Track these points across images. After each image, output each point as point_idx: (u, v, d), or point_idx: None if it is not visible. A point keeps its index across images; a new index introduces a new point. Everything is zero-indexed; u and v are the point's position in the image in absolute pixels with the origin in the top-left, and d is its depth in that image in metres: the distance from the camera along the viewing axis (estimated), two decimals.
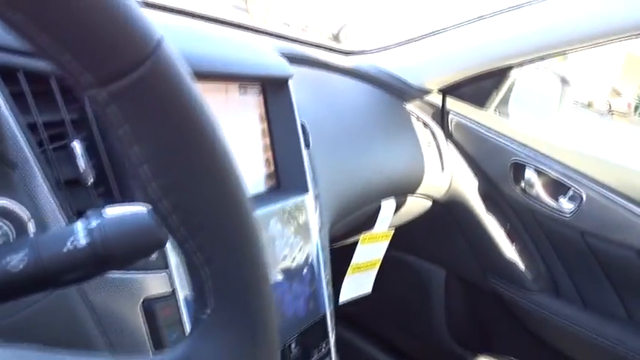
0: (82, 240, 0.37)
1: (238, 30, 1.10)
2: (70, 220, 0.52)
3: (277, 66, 0.81)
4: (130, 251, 0.40)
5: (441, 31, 1.44)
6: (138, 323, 0.55)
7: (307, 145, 0.86)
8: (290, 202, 0.79)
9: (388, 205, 1.33)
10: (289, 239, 0.77)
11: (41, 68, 0.51)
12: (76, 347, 0.51)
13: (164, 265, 0.57)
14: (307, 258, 0.80)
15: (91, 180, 0.52)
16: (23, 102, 0.50)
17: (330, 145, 1.03)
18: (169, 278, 0.57)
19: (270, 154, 0.82)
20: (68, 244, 0.37)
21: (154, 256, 0.56)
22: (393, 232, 1.38)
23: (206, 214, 0.32)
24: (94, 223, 0.39)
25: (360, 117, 1.28)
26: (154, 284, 0.56)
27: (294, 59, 1.05)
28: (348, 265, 1.25)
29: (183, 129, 0.30)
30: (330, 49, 1.43)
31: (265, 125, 0.81)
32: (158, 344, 0.56)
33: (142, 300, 0.55)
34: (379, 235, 1.35)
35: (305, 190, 0.82)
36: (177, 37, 0.67)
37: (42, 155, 0.50)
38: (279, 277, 0.74)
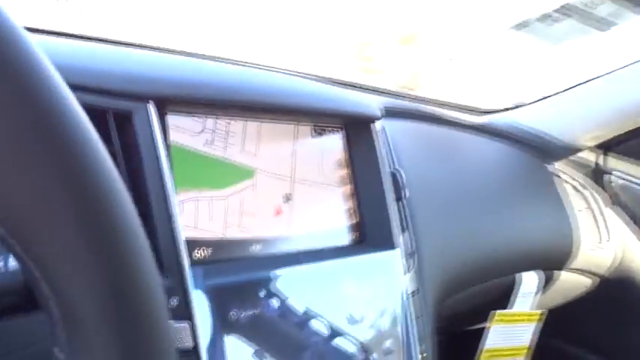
0: None
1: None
2: None
3: (360, 104, 0.73)
4: None
5: (596, 78, 1.24)
6: None
7: (399, 198, 0.75)
8: (370, 259, 0.67)
9: (529, 279, 1.12)
10: (367, 302, 0.65)
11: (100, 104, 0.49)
12: None
13: (187, 316, 0.49)
14: (392, 325, 0.67)
15: None
16: None
17: (446, 205, 0.90)
18: (192, 331, 0.49)
19: (353, 203, 0.72)
20: None
21: (174, 302, 0.49)
22: (543, 313, 1.15)
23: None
24: None
25: (488, 177, 1.13)
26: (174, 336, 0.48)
27: (409, 114, 0.96)
28: None
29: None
30: (463, 109, 1.31)
31: (348, 171, 0.73)
32: None
33: None
34: (521, 315, 1.13)
35: (391, 246, 0.70)
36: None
37: None
38: (349, 347, 0.62)
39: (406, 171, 0.84)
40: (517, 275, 1.10)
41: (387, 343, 0.66)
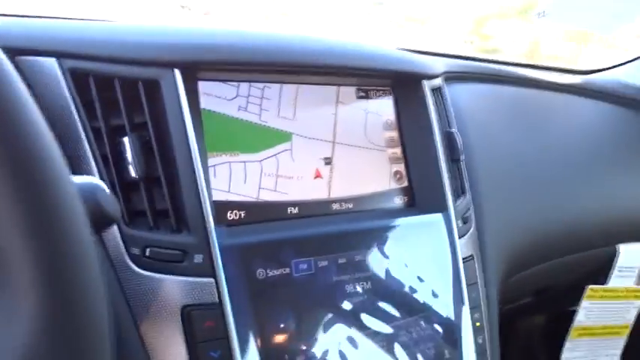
0: None
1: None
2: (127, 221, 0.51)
3: (410, 62, 0.70)
4: None
5: None
6: (175, 332, 0.50)
7: (455, 160, 0.71)
8: (418, 221, 0.65)
9: (631, 251, 1.01)
10: (416, 267, 0.63)
11: (107, 71, 0.53)
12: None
13: (210, 272, 0.51)
14: (439, 290, 0.64)
15: (139, 177, 0.51)
16: (89, 105, 0.52)
17: (522, 171, 0.84)
18: (216, 287, 0.51)
19: (402, 166, 0.70)
20: None
21: (198, 259, 0.51)
22: None
23: None
24: None
25: (584, 140, 1.03)
26: (197, 291, 0.51)
27: (483, 77, 0.91)
28: None
29: None
30: (561, 70, 1.21)
31: (396, 134, 0.70)
32: (196, 359, 0.50)
33: (181, 306, 0.50)
34: (622, 291, 1.03)
35: (442, 209, 0.67)
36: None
37: (101, 157, 0.51)
38: (389, 312, 0.60)
39: (473, 134, 0.80)
40: (617, 247, 1.00)
41: (434, 308, 0.63)
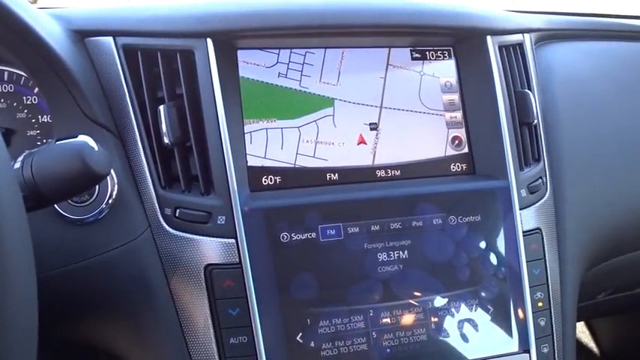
0: (16, 164, 0.41)
1: None
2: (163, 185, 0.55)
3: (473, 17, 0.64)
4: (60, 178, 0.40)
5: None
6: (199, 289, 0.52)
7: (527, 123, 0.63)
8: (473, 188, 0.60)
9: None
10: (466, 238, 0.58)
11: (151, 45, 0.57)
12: (138, 294, 0.53)
13: (232, 234, 0.53)
14: (492, 264, 0.58)
15: (172, 143, 0.54)
16: (137, 78, 0.57)
17: (619, 142, 0.73)
18: (237, 249, 0.53)
19: (461, 131, 0.64)
20: None
21: (221, 221, 0.53)
22: None
23: None
24: (33, 152, 0.41)
25: None
26: (218, 251, 0.53)
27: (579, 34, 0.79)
28: None
29: None
30: None
31: (455, 96, 0.65)
32: (216, 315, 0.52)
33: (204, 264, 0.53)
34: None
35: (503, 175, 0.60)
36: None
37: (144, 126, 0.56)
38: (433, 285, 0.56)
39: (563, 97, 0.71)
40: None
41: (483, 283, 0.57)
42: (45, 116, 0.62)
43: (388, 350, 0.54)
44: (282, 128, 0.60)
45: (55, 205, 0.52)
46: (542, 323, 0.59)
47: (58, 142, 0.42)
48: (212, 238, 0.53)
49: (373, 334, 0.54)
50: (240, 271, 0.52)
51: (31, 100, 0.62)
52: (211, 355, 0.52)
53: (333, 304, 0.54)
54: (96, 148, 0.41)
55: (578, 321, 0.79)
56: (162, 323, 0.53)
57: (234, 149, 0.55)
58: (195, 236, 0.53)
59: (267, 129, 0.59)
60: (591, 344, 1.50)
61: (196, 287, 0.53)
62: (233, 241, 0.53)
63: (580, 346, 1.46)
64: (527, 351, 0.58)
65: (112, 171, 0.54)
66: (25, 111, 0.61)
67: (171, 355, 0.53)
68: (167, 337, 0.53)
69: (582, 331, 1.49)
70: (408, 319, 0.55)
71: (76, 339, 0.59)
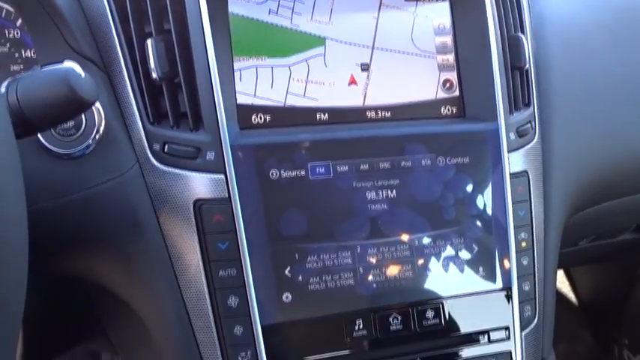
0: (1, 89, 0.40)
1: None
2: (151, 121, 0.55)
3: None
4: (46, 104, 0.40)
5: None
6: (188, 223, 0.53)
7: (518, 67, 0.63)
8: (461, 130, 0.60)
9: None
10: (453, 178, 0.59)
11: None
12: (127, 230, 0.53)
13: (221, 169, 0.53)
14: (478, 205, 0.59)
15: (160, 77, 0.54)
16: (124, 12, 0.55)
17: (610, 88, 0.73)
18: (226, 184, 0.53)
19: (452, 74, 0.64)
20: None
21: (210, 157, 0.53)
22: None
23: None
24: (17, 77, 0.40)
25: None
26: (208, 186, 0.53)
27: None
28: None
29: None
30: None
31: (448, 39, 0.64)
32: (205, 249, 0.52)
33: (194, 200, 0.53)
34: None
35: (492, 117, 0.61)
36: None
37: (130, 61, 0.55)
38: (420, 224, 0.57)
39: (555, 41, 0.71)
40: None
41: (469, 223, 0.58)
42: (29, 50, 0.61)
43: (374, 285, 0.56)
44: (272, 66, 0.59)
45: (42, 139, 0.52)
46: (525, 262, 0.60)
47: (43, 69, 0.41)
48: (201, 174, 0.53)
49: (360, 269, 0.55)
50: (229, 206, 0.53)
51: (13, 34, 0.61)
52: (201, 288, 0.53)
53: (321, 240, 0.55)
54: (82, 75, 0.40)
55: (560, 267, 0.81)
56: (153, 258, 0.54)
57: (224, 85, 0.54)
58: (184, 172, 0.53)
59: (257, 67, 0.59)
60: (570, 294, 1.54)
61: (186, 222, 0.53)
62: (222, 176, 0.53)
63: (559, 296, 1.50)
64: (509, 288, 0.59)
65: (99, 105, 0.53)
66: (8, 45, 0.60)
67: (162, 289, 0.54)
68: (157, 271, 0.54)
69: (562, 282, 1.53)
70: (394, 255, 0.56)
71: (66, 273, 0.60)
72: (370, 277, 0.55)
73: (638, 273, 1.33)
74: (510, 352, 0.59)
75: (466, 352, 0.58)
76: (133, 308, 0.58)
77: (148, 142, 0.54)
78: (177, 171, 0.53)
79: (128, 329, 0.67)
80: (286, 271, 0.53)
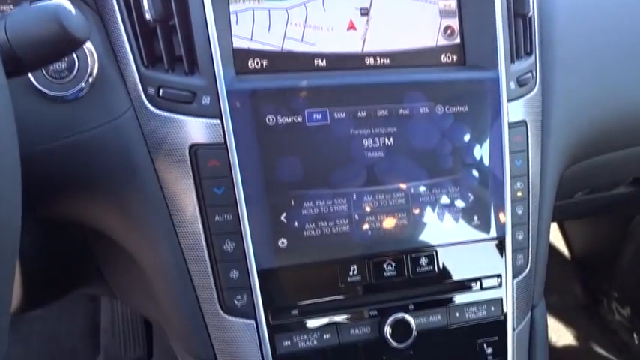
0: None
1: None
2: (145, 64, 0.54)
3: None
4: (36, 42, 0.39)
5: None
6: (184, 168, 0.53)
7: (521, 15, 0.62)
8: (461, 78, 0.59)
9: None
10: (451, 127, 0.58)
11: None
12: (123, 174, 0.53)
13: (217, 114, 0.52)
14: (475, 154, 0.59)
15: (154, 19, 0.52)
16: None
17: (616, 39, 0.71)
18: (222, 129, 0.52)
19: (454, 21, 0.63)
20: None
21: (206, 101, 0.52)
22: None
23: None
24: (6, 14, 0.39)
25: None
26: (203, 131, 0.52)
27: None
28: None
29: None
30: None
31: None
32: (201, 194, 0.52)
33: (189, 144, 0.52)
34: None
35: (493, 66, 0.60)
36: None
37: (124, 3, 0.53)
38: (417, 172, 0.57)
39: None
40: None
41: (465, 171, 0.58)
42: None
43: (369, 232, 0.56)
44: (269, 9, 0.58)
45: (35, 82, 0.51)
46: (520, 212, 0.61)
47: (32, 5, 0.40)
48: (196, 118, 0.53)
49: (356, 216, 0.56)
50: (225, 151, 0.52)
51: None
52: (197, 233, 0.53)
53: (317, 187, 0.55)
54: (73, 11, 0.39)
55: (554, 220, 0.82)
56: (149, 202, 0.54)
57: (219, 28, 0.53)
58: (179, 116, 0.53)
59: (253, 9, 0.57)
60: (563, 248, 1.56)
61: (181, 167, 0.53)
62: (218, 121, 0.52)
63: (552, 249, 1.52)
64: (503, 237, 0.60)
65: (92, 46, 0.52)
66: None
67: (158, 233, 0.54)
68: (153, 215, 0.54)
69: (555, 236, 1.55)
70: (390, 203, 0.56)
71: (63, 218, 0.60)
72: (365, 225, 0.56)
73: (631, 228, 1.34)
74: (501, 299, 0.60)
75: (458, 298, 0.59)
76: (130, 253, 0.58)
77: (142, 86, 0.53)
78: (172, 115, 0.53)
79: (125, 274, 0.68)
80: (282, 217, 0.54)
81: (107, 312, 1.39)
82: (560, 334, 1.45)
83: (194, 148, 0.52)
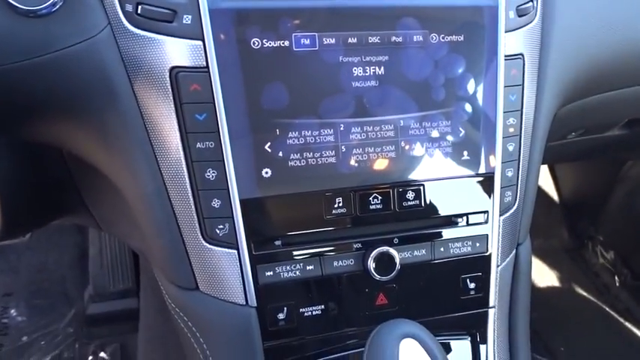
0: None
1: None
2: None
3: None
4: None
5: None
6: (164, 92, 0.50)
7: None
8: (456, 5, 0.56)
9: None
10: (445, 58, 0.56)
11: None
12: (100, 95, 0.51)
13: (199, 35, 0.49)
14: (468, 87, 0.57)
15: None
16: None
17: None
18: (204, 51, 0.50)
19: None
20: None
21: (187, 20, 0.49)
22: None
23: None
24: None
25: None
26: (184, 53, 0.50)
27: None
28: None
29: None
30: None
31: None
32: (182, 119, 0.50)
33: (169, 67, 0.50)
34: None
35: None
36: None
37: None
38: (408, 103, 0.55)
39: None
40: None
41: (458, 104, 0.56)
42: None
43: (356, 165, 0.54)
44: None
45: None
46: (511, 148, 0.59)
47: None
48: (177, 39, 0.50)
49: (342, 147, 0.54)
50: (207, 75, 0.50)
51: None
52: (178, 160, 0.51)
53: (303, 115, 0.53)
54: None
55: (546, 163, 0.80)
56: (128, 126, 0.52)
57: None
58: (159, 36, 0.50)
59: None
60: (552, 192, 1.57)
61: (161, 90, 0.50)
62: (200, 43, 0.50)
63: (541, 192, 1.53)
64: (492, 173, 0.59)
65: None
66: None
67: (138, 159, 0.53)
68: (133, 140, 0.52)
69: (545, 180, 1.55)
70: (378, 135, 0.55)
71: (42, 141, 0.58)
72: (352, 156, 0.54)
73: (622, 173, 1.34)
74: (487, 236, 0.60)
75: (443, 233, 0.59)
76: (111, 180, 0.57)
77: (119, 3, 0.50)
78: (151, 35, 0.50)
79: (108, 202, 0.67)
80: (266, 146, 0.52)
81: (95, 243, 1.39)
82: (543, 275, 1.48)
83: (175, 71, 0.50)
